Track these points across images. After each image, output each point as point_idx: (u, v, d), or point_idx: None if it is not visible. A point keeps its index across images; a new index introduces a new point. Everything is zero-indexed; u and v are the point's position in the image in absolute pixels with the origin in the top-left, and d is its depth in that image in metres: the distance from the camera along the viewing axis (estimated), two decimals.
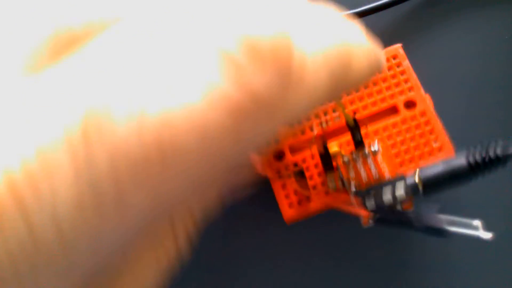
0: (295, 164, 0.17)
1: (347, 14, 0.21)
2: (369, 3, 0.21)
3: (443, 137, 0.17)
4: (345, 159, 0.17)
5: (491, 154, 0.15)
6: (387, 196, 0.15)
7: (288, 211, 0.17)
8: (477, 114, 0.21)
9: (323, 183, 0.17)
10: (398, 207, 0.15)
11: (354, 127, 0.16)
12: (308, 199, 0.17)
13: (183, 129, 0.07)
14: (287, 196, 0.17)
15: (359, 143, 0.17)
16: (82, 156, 0.07)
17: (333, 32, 0.09)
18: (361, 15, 0.21)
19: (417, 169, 0.16)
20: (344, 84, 0.09)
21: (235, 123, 0.07)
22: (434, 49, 0.22)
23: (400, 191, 0.15)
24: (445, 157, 0.17)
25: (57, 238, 0.07)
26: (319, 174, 0.17)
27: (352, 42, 0.09)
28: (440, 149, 0.17)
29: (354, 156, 0.17)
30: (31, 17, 0.09)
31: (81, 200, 0.07)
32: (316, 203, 0.17)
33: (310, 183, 0.17)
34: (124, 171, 0.07)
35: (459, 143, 0.17)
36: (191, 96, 0.07)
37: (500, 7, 0.22)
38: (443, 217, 0.14)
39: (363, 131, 0.17)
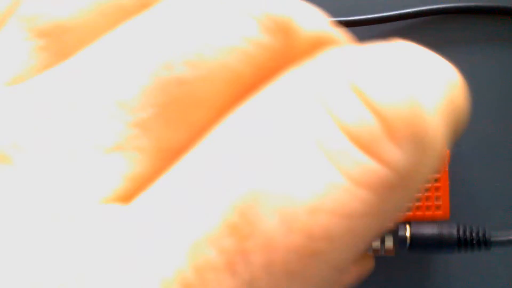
0: None
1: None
2: (359, 14, 0.20)
3: (445, 198, 0.18)
4: None
5: (480, 236, 0.16)
6: (375, 243, 0.16)
7: None
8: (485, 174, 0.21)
9: None
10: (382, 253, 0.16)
11: None
12: None
13: (330, 213, 0.07)
14: None
15: None
16: (238, 257, 0.06)
17: (434, 75, 0.08)
18: (348, 25, 0.20)
19: (409, 224, 0.17)
20: (458, 125, 0.09)
21: (380, 200, 0.07)
22: None
23: (389, 242, 0.16)
24: (439, 217, 0.18)
25: None
26: None
27: (450, 80, 0.09)
28: (438, 207, 0.18)
29: None
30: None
31: None
32: None
33: None
34: (278, 269, 0.07)
35: (459, 200, 0.18)
36: (335, 176, 0.07)
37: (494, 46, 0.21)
38: None
39: None
